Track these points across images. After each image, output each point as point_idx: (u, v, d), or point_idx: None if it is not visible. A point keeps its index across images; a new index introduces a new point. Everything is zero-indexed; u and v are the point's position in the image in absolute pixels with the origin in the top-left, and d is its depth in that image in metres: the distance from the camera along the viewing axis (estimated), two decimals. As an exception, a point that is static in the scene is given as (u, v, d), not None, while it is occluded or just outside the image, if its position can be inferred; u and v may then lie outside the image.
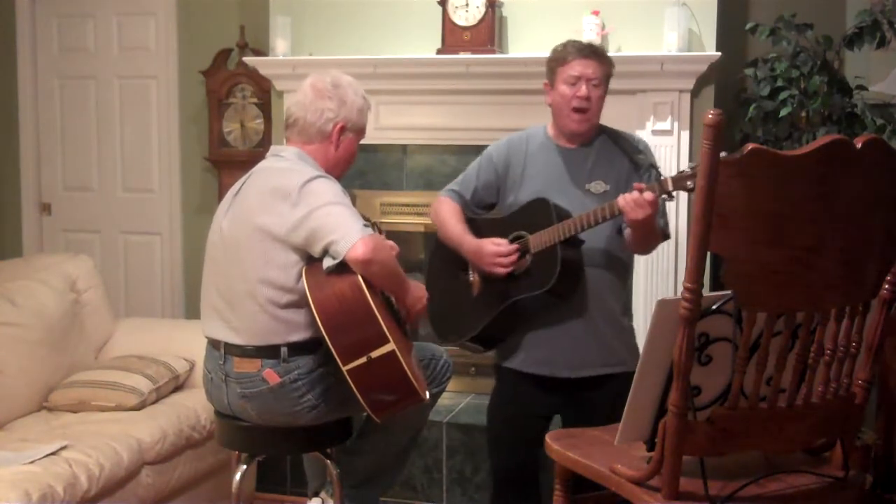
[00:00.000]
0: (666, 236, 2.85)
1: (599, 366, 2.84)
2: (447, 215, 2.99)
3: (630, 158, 2.84)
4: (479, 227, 2.96)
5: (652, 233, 2.71)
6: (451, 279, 3.04)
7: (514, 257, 2.82)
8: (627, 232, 2.76)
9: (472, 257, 2.92)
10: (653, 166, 2.84)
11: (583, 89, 2.78)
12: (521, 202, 2.88)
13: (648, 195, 2.52)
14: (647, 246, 2.84)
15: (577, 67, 2.78)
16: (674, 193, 2.54)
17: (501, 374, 3.01)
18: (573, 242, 2.75)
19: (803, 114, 3.54)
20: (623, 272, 2.92)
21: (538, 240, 2.78)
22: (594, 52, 2.82)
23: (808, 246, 1.73)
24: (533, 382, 2.89)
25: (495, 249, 2.83)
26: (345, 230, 2.39)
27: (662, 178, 2.58)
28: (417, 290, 2.70)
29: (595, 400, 2.84)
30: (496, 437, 3.02)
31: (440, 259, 3.09)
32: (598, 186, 2.82)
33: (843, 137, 1.74)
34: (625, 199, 2.56)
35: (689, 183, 2.46)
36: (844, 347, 1.87)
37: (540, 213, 2.78)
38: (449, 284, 3.05)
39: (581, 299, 2.82)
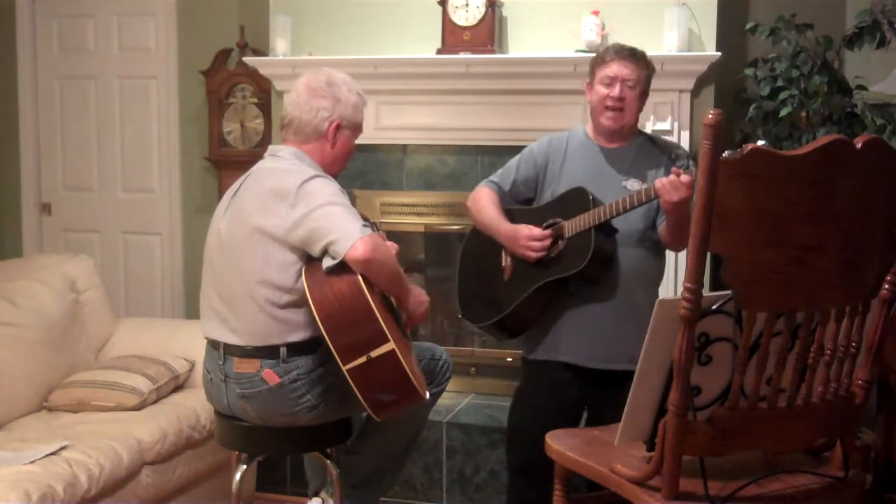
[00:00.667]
0: None
1: (626, 361, 2.82)
2: (485, 202, 3.01)
3: (668, 156, 2.89)
4: (515, 217, 2.98)
5: (687, 220, 2.71)
6: (484, 265, 3.07)
7: (547, 241, 2.85)
8: (663, 224, 2.79)
9: (506, 241, 2.95)
10: (689, 157, 2.89)
11: (616, 90, 2.82)
12: (558, 196, 2.92)
13: (685, 177, 2.55)
14: (681, 235, 2.83)
15: (613, 68, 2.84)
16: None
17: (529, 368, 3.01)
18: (607, 231, 2.78)
19: (803, 114, 3.54)
20: (655, 270, 2.94)
21: (573, 224, 2.81)
22: (632, 55, 2.86)
23: (808, 246, 1.73)
24: (561, 373, 2.89)
25: (529, 233, 2.86)
26: (344, 230, 2.39)
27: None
28: (419, 294, 2.70)
29: (623, 397, 2.83)
30: (518, 428, 3.00)
31: (475, 246, 3.13)
32: (634, 184, 2.84)
33: (843, 137, 1.74)
34: (661, 182, 2.60)
35: None
36: (844, 347, 1.87)
37: (578, 200, 2.82)
38: (482, 270, 3.09)
39: (611, 290, 2.84)
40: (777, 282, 1.72)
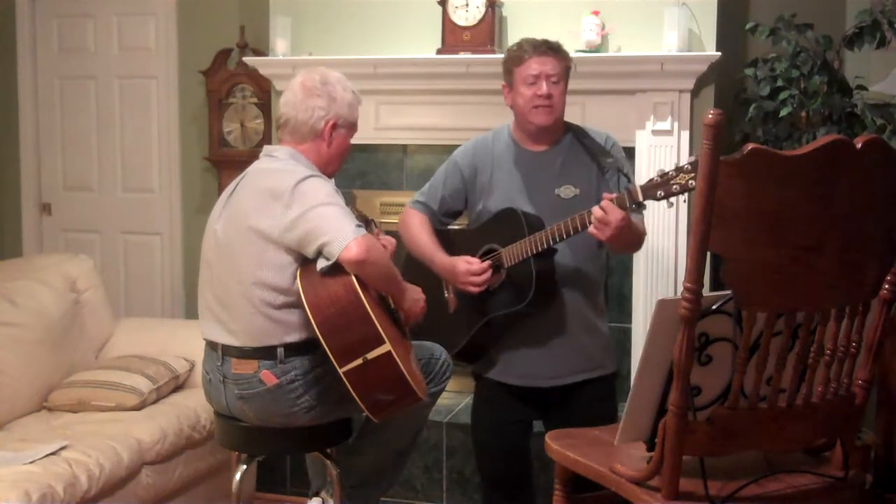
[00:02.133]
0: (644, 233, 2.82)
1: (578, 372, 2.84)
2: (416, 230, 2.96)
3: (598, 162, 2.80)
4: (449, 240, 2.95)
5: (628, 242, 2.69)
6: (426, 295, 2.95)
7: (487, 275, 2.80)
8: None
9: (444, 275, 2.91)
10: (620, 170, 2.78)
11: (543, 87, 2.74)
12: (490, 210, 2.86)
13: (616, 214, 2.48)
14: (627, 249, 2.84)
15: (534, 66, 2.75)
16: (645, 203, 2.51)
17: (481, 384, 3.01)
18: (546, 254, 2.72)
19: (803, 114, 3.54)
20: (597, 276, 2.91)
21: (511, 253, 2.76)
22: (551, 48, 2.78)
23: (807, 246, 1.73)
24: (512, 392, 2.90)
25: (468, 268, 2.81)
26: (338, 231, 2.38)
27: (632, 187, 2.53)
28: (415, 292, 2.70)
29: (574, 405, 2.85)
30: (480, 445, 3.02)
31: (414, 275, 2.99)
32: (567, 191, 2.80)
33: (843, 137, 1.74)
34: (593, 225, 2.53)
35: (659, 192, 2.41)
36: (844, 347, 1.87)
37: (511, 224, 2.76)
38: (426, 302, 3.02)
39: (558, 310, 2.82)
40: (777, 282, 1.72)
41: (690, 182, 2.36)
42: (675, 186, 2.40)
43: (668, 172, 2.41)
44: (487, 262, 2.81)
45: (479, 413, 3.02)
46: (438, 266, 2.90)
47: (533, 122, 2.79)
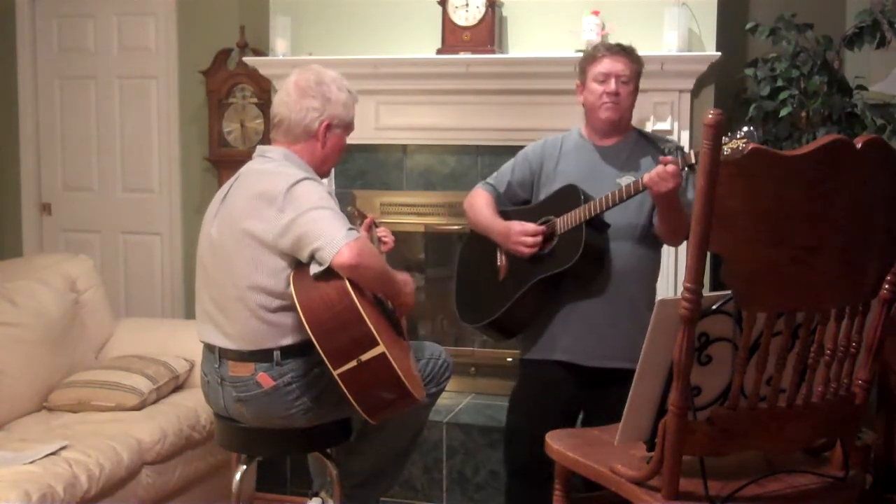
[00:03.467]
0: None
1: (622, 359, 2.81)
2: (480, 204, 3.03)
3: (660, 148, 2.90)
4: (510, 217, 2.99)
5: (676, 214, 2.71)
6: (479, 267, 3.09)
7: (539, 238, 2.85)
8: (656, 216, 2.79)
9: (500, 239, 2.96)
10: (679, 148, 2.89)
11: (612, 85, 2.84)
12: (551, 193, 2.93)
13: (671, 167, 2.56)
14: (675, 227, 2.82)
15: (606, 65, 2.85)
16: (696, 166, 2.56)
17: (525, 368, 3.01)
18: (599, 227, 2.78)
19: (803, 114, 3.54)
20: (650, 266, 2.94)
21: (564, 221, 2.82)
22: (623, 50, 2.88)
23: (808, 246, 1.73)
24: (557, 372, 2.88)
25: (521, 228, 2.87)
26: (330, 236, 2.37)
27: (685, 152, 2.63)
28: (406, 285, 2.68)
29: (620, 395, 2.83)
30: (516, 430, 3.00)
31: (471, 250, 3.15)
32: (628, 180, 2.83)
33: (843, 137, 1.74)
34: (649, 174, 2.61)
35: None
36: (844, 347, 1.87)
37: (569, 197, 2.83)
38: (477, 272, 3.10)
39: (605, 286, 2.84)
40: (777, 282, 1.72)
41: (741, 145, 2.39)
42: (726, 150, 2.43)
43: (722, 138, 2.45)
44: (542, 227, 2.87)
45: (522, 397, 3.01)
46: (495, 231, 2.97)
47: (600, 117, 2.89)
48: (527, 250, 2.86)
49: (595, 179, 2.87)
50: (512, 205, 3.06)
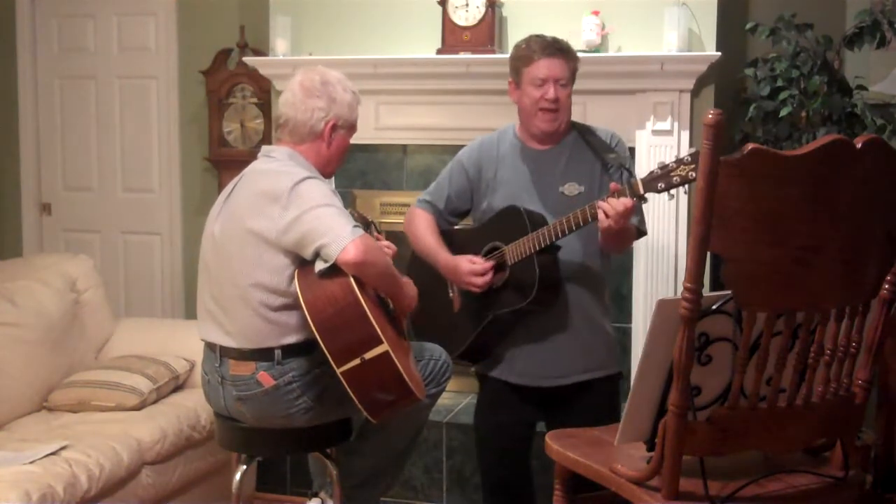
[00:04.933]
0: (641, 233, 2.81)
1: (581, 372, 2.83)
2: (422, 230, 2.95)
3: (601, 159, 2.78)
4: (453, 239, 2.94)
5: (626, 235, 2.69)
6: (431, 296, 2.99)
7: (489, 276, 2.79)
8: (600, 235, 2.72)
9: (447, 274, 2.90)
10: (623, 166, 2.76)
11: (550, 91, 2.72)
12: (494, 208, 2.85)
13: (625, 202, 2.47)
14: (619, 246, 2.82)
15: (543, 69, 2.72)
16: (646, 196, 2.50)
17: (485, 383, 3.00)
18: (550, 251, 2.71)
19: (803, 114, 3.54)
20: (601, 274, 2.89)
21: (514, 251, 2.74)
22: (560, 50, 2.74)
23: (808, 246, 1.73)
24: (516, 391, 2.89)
25: (470, 268, 2.80)
26: (335, 233, 2.37)
27: (633, 180, 2.53)
28: (409, 287, 2.69)
29: (577, 405, 2.84)
30: (483, 445, 3.02)
31: (419, 274, 3.00)
32: (571, 188, 2.78)
33: (843, 137, 1.74)
34: (601, 213, 2.51)
35: (660, 185, 2.41)
36: (844, 347, 1.87)
37: (513, 221, 2.74)
38: (430, 301, 3.00)
39: (561, 307, 2.80)
40: (777, 282, 1.72)
41: (691, 174, 2.36)
42: (675, 178, 2.40)
43: (668, 164, 2.41)
44: (490, 262, 2.80)
45: (482, 413, 3.01)
46: (442, 265, 2.89)
47: (538, 126, 2.78)
48: (479, 289, 2.80)
49: (537, 190, 2.80)
50: (453, 216, 2.99)
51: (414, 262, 3.08)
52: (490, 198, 2.87)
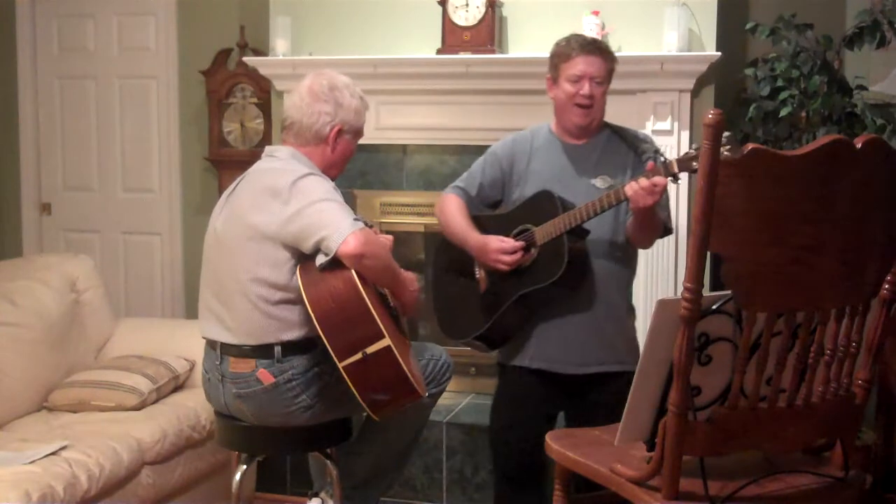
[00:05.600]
0: (668, 230, 2.84)
1: (602, 363, 2.83)
2: (452, 212, 2.97)
3: (634, 151, 2.84)
4: (484, 225, 2.94)
5: (653, 221, 2.70)
6: (457, 277, 3.03)
7: (518, 254, 2.80)
8: (630, 222, 2.76)
9: (476, 253, 2.90)
10: (657, 152, 2.80)
11: (586, 88, 2.77)
12: (526, 197, 2.87)
13: (659, 182, 2.51)
14: (647, 235, 2.82)
15: (580, 66, 2.77)
16: (679, 176, 2.52)
17: (505, 373, 3.00)
18: (579, 233, 2.74)
19: (803, 114, 3.54)
20: (628, 270, 2.91)
21: (544, 231, 2.76)
22: (598, 49, 2.81)
23: (808, 246, 1.73)
24: (537, 380, 2.88)
25: (499, 245, 2.81)
26: (336, 225, 2.38)
27: (668, 160, 2.55)
28: (410, 282, 2.69)
29: (597, 399, 2.84)
30: (499, 437, 3.01)
31: (447, 257, 3.08)
32: (603, 181, 2.81)
33: (843, 137, 1.75)
34: (632, 187, 2.55)
35: (694, 164, 2.42)
36: (844, 347, 1.87)
37: (545, 205, 2.77)
38: (455, 283, 3.04)
39: (587, 294, 2.81)
40: (777, 282, 1.72)
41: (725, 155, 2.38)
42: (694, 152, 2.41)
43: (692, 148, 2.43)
44: (520, 241, 2.82)
45: (501, 404, 3.01)
46: (471, 244, 2.90)
47: (572, 120, 2.83)
48: (506, 267, 2.80)
49: (568, 181, 2.82)
50: (484, 206, 3.01)
51: (441, 249, 3.11)
52: (522, 188, 2.90)
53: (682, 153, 2.56)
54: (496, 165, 2.97)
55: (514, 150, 2.95)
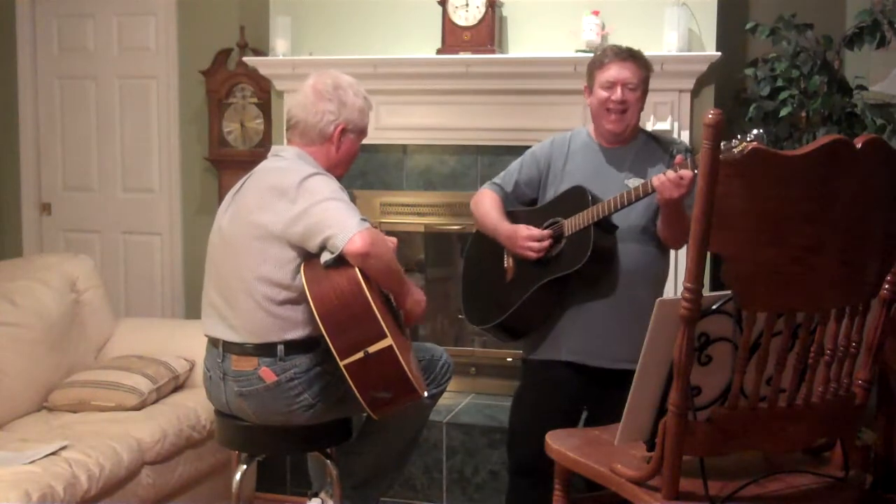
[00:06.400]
0: None
1: (624, 360, 2.81)
2: (487, 205, 3.02)
3: (669, 150, 2.85)
4: (517, 218, 2.98)
5: (680, 217, 2.70)
6: (487, 267, 3.08)
7: (546, 242, 2.85)
8: (660, 220, 2.78)
9: (506, 242, 2.95)
10: (688, 149, 2.83)
11: (618, 93, 2.80)
12: (558, 194, 2.92)
13: (686, 175, 2.53)
14: (676, 233, 2.80)
15: (613, 72, 2.81)
16: None
17: (529, 367, 3.01)
18: (607, 229, 2.77)
19: (803, 114, 3.54)
20: (658, 268, 2.92)
21: (572, 223, 2.81)
22: (631, 56, 2.84)
23: (807, 246, 1.73)
24: (562, 373, 2.88)
25: (528, 233, 2.86)
26: (342, 224, 2.40)
27: (696, 155, 2.55)
28: (418, 293, 2.70)
29: (623, 396, 2.82)
30: (519, 429, 2.99)
31: (477, 249, 3.13)
32: (635, 182, 2.82)
33: (843, 137, 1.74)
34: (660, 178, 2.58)
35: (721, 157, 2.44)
36: (844, 347, 1.87)
37: (576, 199, 2.81)
38: (485, 273, 3.09)
39: (613, 288, 2.83)
40: (777, 282, 1.72)
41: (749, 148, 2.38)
42: (736, 151, 2.41)
43: (732, 141, 2.41)
44: (548, 230, 2.86)
45: (523, 397, 3.01)
46: (502, 233, 2.95)
47: (605, 126, 2.86)
48: (533, 255, 2.85)
49: (602, 180, 2.86)
50: (520, 204, 3.06)
51: (474, 242, 3.15)
52: (556, 187, 2.94)
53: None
54: (534, 165, 3.02)
55: (553, 150, 3.00)
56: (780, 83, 3.54)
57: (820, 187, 1.72)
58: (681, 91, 3.64)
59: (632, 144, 2.92)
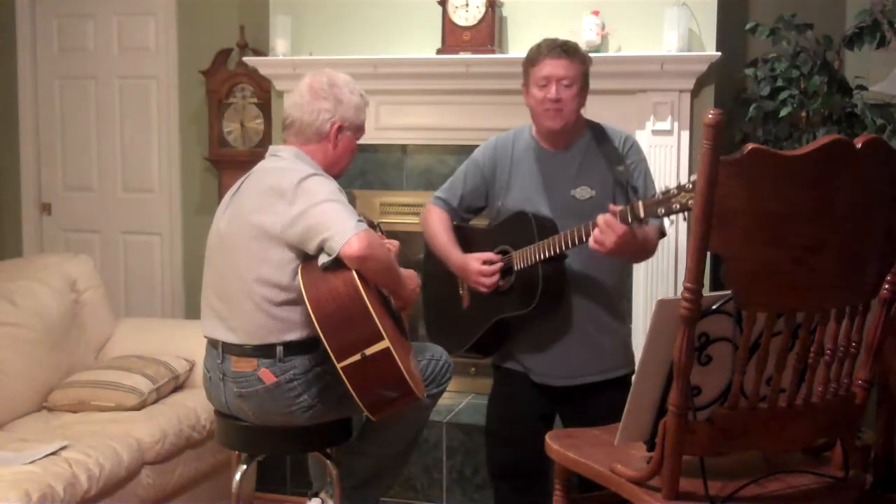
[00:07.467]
0: (662, 234, 2.82)
1: (592, 374, 2.84)
2: (435, 226, 2.99)
3: (611, 171, 2.79)
4: (466, 236, 2.97)
5: (633, 252, 2.68)
6: (443, 289, 3.06)
7: (495, 278, 2.83)
8: None
9: (457, 272, 2.94)
10: (628, 183, 2.75)
11: (552, 91, 2.73)
12: (508, 208, 2.88)
13: (618, 228, 2.45)
14: (636, 257, 2.83)
15: (546, 68, 2.74)
16: (646, 220, 2.46)
17: (500, 374, 3.02)
18: (556, 259, 2.72)
19: (803, 114, 3.54)
20: (614, 279, 2.88)
21: (521, 257, 2.78)
22: (565, 52, 2.75)
23: (807, 246, 1.73)
24: (530, 384, 2.89)
25: (479, 268, 2.83)
26: (340, 226, 2.39)
27: (635, 202, 2.48)
28: (411, 280, 2.70)
29: (592, 404, 2.84)
30: (492, 435, 3.02)
31: (433, 267, 3.10)
32: (583, 192, 2.80)
33: (843, 137, 1.74)
34: (593, 237, 2.51)
35: (660, 209, 2.36)
36: (844, 347, 1.87)
37: (522, 227, 2.77)
38: (442, 295, 3.08)
39: (569, 312, 2.81)
40: (777, 282, 1.72)
41: (691, 201, 2.34)
42: (675, 205, 2.36)
43: (670, 190, 2.38)
44: (497, 265, 2.83)
45: (496, 402, 3.02)
46: (453, 263, 2.94)
47: (543, 124, 2.81)
48: (485, 290, 2.84)
49: (549, 190, 2.82)
50: (467, 213, 3.03)
51: (429, 258, 3.13)
52: (504, 198, 2.91)
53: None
54: (478, 174, 2.97)
55: (496, 157, 2.94)
56: (780, 83, 3.54)
57: (820, 187, 1.72)
58: (681, 91, 3.64)
59: (577, 146, 2.84)
